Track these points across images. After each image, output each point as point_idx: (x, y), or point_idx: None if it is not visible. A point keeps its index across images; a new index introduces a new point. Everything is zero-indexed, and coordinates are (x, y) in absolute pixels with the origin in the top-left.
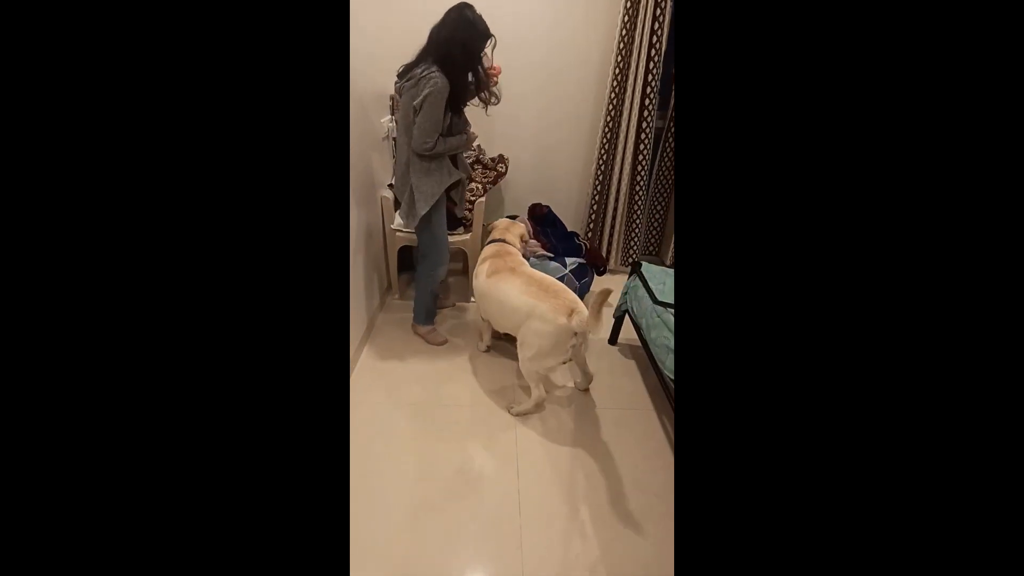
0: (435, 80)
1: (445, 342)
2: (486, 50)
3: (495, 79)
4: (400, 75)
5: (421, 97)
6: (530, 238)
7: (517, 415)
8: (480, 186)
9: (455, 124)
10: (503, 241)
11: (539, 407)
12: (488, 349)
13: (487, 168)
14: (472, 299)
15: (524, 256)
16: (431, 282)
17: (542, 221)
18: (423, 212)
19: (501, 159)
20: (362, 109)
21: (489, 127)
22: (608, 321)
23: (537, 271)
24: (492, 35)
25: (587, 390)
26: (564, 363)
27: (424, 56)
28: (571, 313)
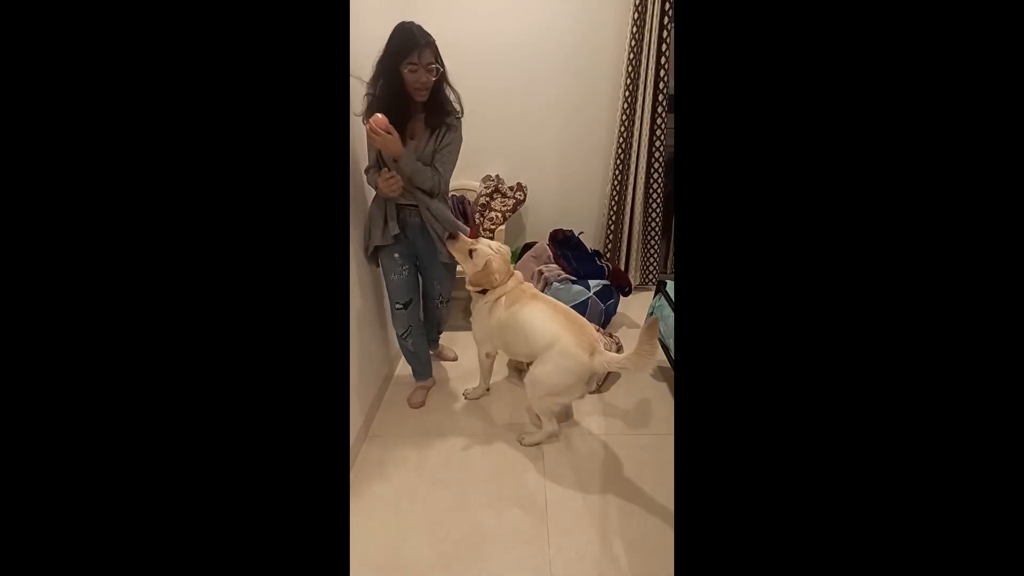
0: (454, 131)
1: (421, 404)
2: (412, 58)
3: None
4: None
5: (445, 147)
6: (549, 262)
7: (528, 445)
8: (500, 214)
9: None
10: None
11: (552, 438)
12: (488, 391)
13: (506, 196)
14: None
15: (546, 281)
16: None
17: (563, 244)
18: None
19: (519, 187)
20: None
21: (509, 156)
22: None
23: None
24: (411, 43)
25: (564, 420)
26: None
27: None
28: (593, 352)
